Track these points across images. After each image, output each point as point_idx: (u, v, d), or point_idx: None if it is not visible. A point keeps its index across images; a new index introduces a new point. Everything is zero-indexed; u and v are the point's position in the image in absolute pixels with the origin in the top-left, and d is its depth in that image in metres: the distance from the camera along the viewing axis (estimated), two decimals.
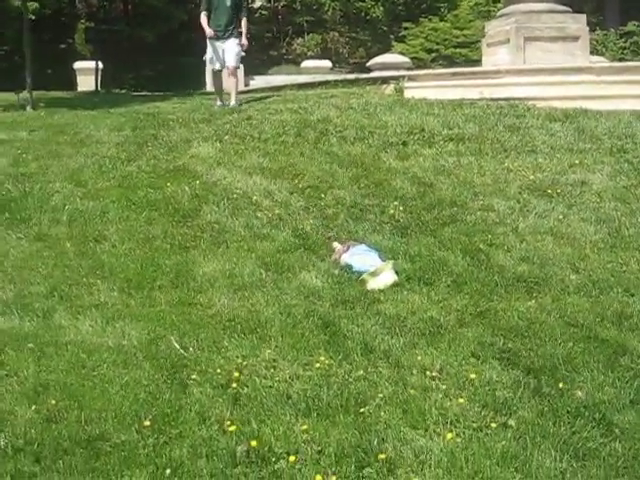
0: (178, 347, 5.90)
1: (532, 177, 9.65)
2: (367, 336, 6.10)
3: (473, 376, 5.40)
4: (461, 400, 5.05)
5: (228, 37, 14.73)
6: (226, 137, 11.53)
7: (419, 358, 5.69)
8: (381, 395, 5.14)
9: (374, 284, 7.13)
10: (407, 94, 15.15)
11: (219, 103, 14.99)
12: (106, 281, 7.31)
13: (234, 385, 5.26)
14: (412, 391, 5.22)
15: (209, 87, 23.21)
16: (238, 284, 7.18)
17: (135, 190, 9.57)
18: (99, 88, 24.24)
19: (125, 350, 5.89)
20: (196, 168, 10.26)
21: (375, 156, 10.57)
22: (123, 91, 23.22)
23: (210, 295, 6.97)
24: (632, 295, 6.93)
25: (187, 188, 9.49)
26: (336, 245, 7.90)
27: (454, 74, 16.64)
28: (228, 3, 14.66)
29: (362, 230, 8.36)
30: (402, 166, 10.20)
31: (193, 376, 5.42)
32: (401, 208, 8.83)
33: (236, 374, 5.37)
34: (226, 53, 14.71)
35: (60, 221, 8.74)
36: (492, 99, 13.87)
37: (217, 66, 14.99)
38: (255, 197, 9.20)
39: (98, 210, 9.01)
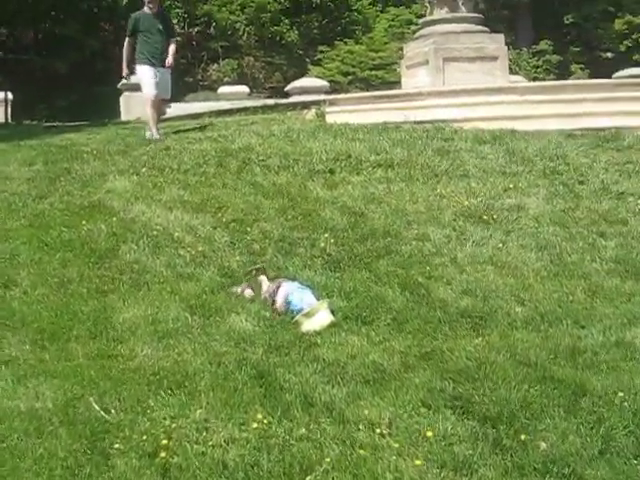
0: (98, 409, 5.32)
1: (466, 203, 9.28)
2: (306, 387, 5.59)
3: (427, 430, 4.93)
4: (417, 461, 4.57)
5: (162, 64, 13.65)
6: (143, 169, 10.94)
7: (365, 411, 5.20)
8: (328, 459, 4.61)
9: (309, 325, 6.65)
10: (329, 119, 14.73)
11: (157, 135, 13.59)
12: (17, 333, 6.68)
13: (162, 454, 4.69)
14: (361, 451, 4.72)
15: (124, 116, 22.55)
16: (162, 331, 6.63)
17: (48, 230, 8.92)
18: (9, 120, 23.39)
19: (39, 415, 5.27)
20: (112, 204, 9.66)
21: (301, 185, 10.10)
22: (34, 122, 22.33)
23: (132, 345, 6.40)
24: (582, 327, 6.59)
25: (103, 226, 8.88)
26: (263, 280, 7.40)
27: (376, 97, 16.32)
28: (160, 26, 13.73)
29: (292, 266, 7.89)
30: (330, 195, 9.75)
31: (116, 445, 4.83)
32: (332, 240, 8.37)
33: (164, 441, 4.80)
34: (163, 83, 13.74)
35: None
36: (416, 122, 13.52)
37: (160, 93, 13.75)
38: (177, 233, 8.65)
39: (7, 253, 8.33)
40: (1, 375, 5.93)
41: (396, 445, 4.76)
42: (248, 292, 7.33)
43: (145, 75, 13.74)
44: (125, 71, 14.34)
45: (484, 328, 6.58)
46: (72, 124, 19.59)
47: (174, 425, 5.04)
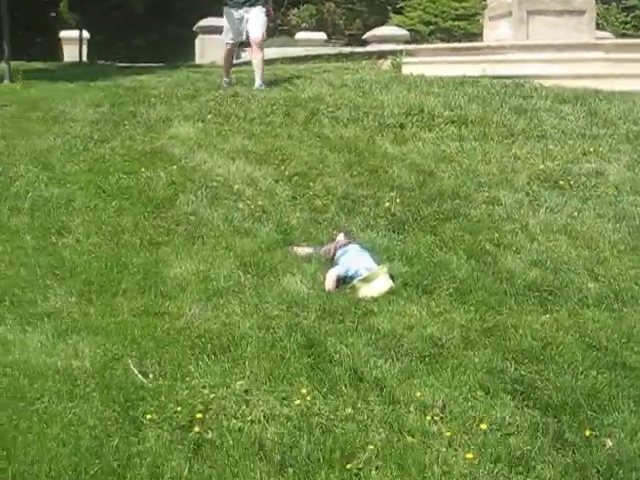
0: (136, 372, 5.03)
1: (542, 166, 8.79)
2: (357, 360, 5.23)
3: (483, 418, 4.54)
4: (469, 455, 4.18)
5: (252, 5, 12.56)
6: (209, 116, 10.64)
7: (418, 392, 4.80)
8: (372, 446, 4.24)
9: (367, 291, 6.28)
10: (405, 70, 14.25)
11: (226, 80, 13.10)
12: (65, 283, 6.46)
13: (196, 429, 4.37)
14: (410, 438, 4.34)
15: (198, 59, 22.26)
16: (213, 289, 6.32)
17: (106, 175, 8.69)
18: (85, 59, 23.29)
19: (74, 375, 5.00)
20: (174, 151, 9.38)
21: (370, 140, 9.69)
22: (108, 63, 22.16)
23: (180, 302, 6.12)
24: None
25: (163, 174, 8.61)
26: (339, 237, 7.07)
27: (455, 49, 15.82)
28: None
29: (354, 225, 7.50)
30: (399, 151, 9.33)
31: (149, 414, 4.53)
32: (398, 200, 7.96)
33: (199, 414, 4.49)
34: (250, 23, 12.56)
35: (21, 210, 7.88)
36: (495, 77, 12.97)
37: (230, 38, 12.91)
38: (237, 185, 8.33)
39: (64, 198, 8.14)
40: (43, 328, 5.69)
41: (448, 433, 4.37)
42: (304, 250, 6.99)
43: (225, 19, 13.05)
44: None
45: (553, 304, 6.13)
46: (145, 65, 19.39)
47: (213, 395, 4.73)
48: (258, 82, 12.66)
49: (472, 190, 8.27)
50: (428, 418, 4.56)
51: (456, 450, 4.27)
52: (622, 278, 6.51)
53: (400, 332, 5.62)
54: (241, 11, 12.64)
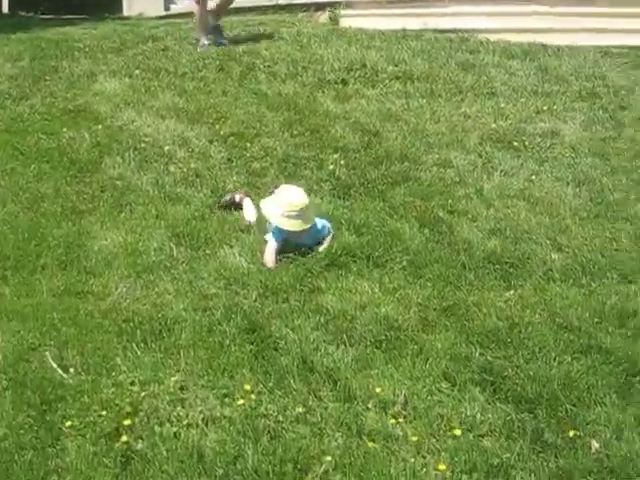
0: (55, 366, 4.43)
1: (494, 125, 8.26)
2: (306, 346, 4.67)
3: (452, 416, 4.03)
4: (441, 466, 3.65)
5: None
6: (137, 71, 9.90)
7: (377, 386, 4.27)
8: (329, 455, 3.70)
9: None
10: (343, 23, 13.55)
11: (205, 42, 11.13)
12: None
13: (124, 437, 3.79)
14: (371, 444, 3.81)
15: (126, 11, 21.23)
16: (142, 264, 5.72)
17: (24, 136, 7.98)
18: (6, 10, 22.13)
19: None
20: (99, 109, 8.66)
21: (310, 96, 9.06)
22: (30, 14, 21.06)
23: (106, 280, 5.51)
24: (630, 282, 5.63)
25: (87, 134, 7.92)
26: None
27: (394, 2, 15.09)
28: None
29: None
30: (342, 109, 8.71)
31: (69, 421, 3.93)
32: (342, 162, 7.38)
33: (127, 419, 3.90)
34: None
35: None
36: (438, 30, 12.37)
37: None
38: (168, 146, 7.66)
39: None
40: None
41: (414, 438, 3.84)
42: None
43: None
44: None
45: (516, 278, 5.63)
46: (69, 17, 18.39)
47: (143, 394, 4.15)
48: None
49: (421, 151, 7.71)
50: (390, 417, 4.04)
51: (424, 458, 3.76)
52: (587, 248, 6.03)
53: (352, 312, 5.08)
54: None
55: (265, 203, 6.01)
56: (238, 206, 6.55)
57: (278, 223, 5.79)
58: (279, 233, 5.83)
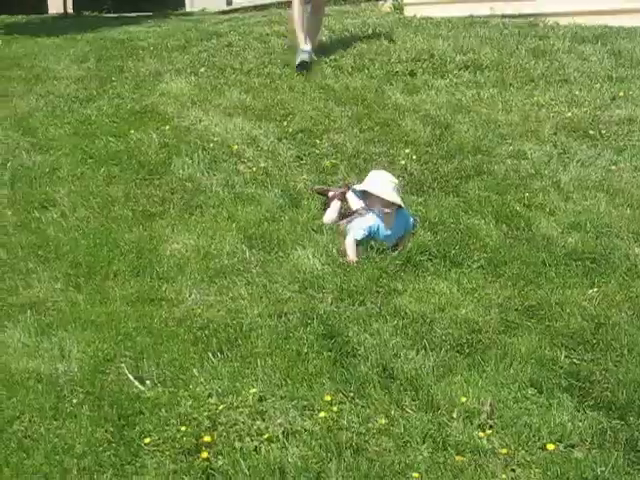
0: (132, 378, 4.36)
1: (569, 114, 8.03)
2: (385, 352, 4.55)
3: (541, 425, 3.87)
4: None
5: None
6: (202, 69, 9.85)
7: (461, 394, 4.13)
8: (415, 471, 3.57)
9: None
10: (408, 12, 13.36)
11: (307, 48, 9.72)
12: (49, 266, 5.81)
13: (204, 454, 3.70)
14: (458, 458, 3.67)
15: (188, 7, 21.25)
16: (215, 268, 5.63)
17: (93, 139, 7.95)
18: (71, 11, 22.28)
19: (60, 384, 4.34)
20: (166, 109, 8.62)
21: (378, 90, 8.91)
22: (95, 13, 21.19)
23: (179, 286, 5.44)
24: None
25: (155, 135, 7.87)
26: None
27: None
28: None
29: None
30: (411, 102, 8.55)
31: (148, 437, 3.85)
32: (414, 157, 7.24)
33: (207, 434, 3.81)
34: None
35: (1, 181, 7.16)
36: (505, 16, 12.13)
37: None
38: (236, 146, 7.58)
39: (48, 166, 7.45)
40: (25, 323, 5.04)
41: (503, 450, 3.70)
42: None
43: None
44: None
45: (599, 274, 5.44)
46: (133, 15, 18.50)
47: (222, 407, 4.04)
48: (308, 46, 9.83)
49: (494, 143, 7.53)
50: (476, 427, 3.89)
51: (514, 472, 3.59)
52: None
53: (430, 315, 4.94)
54: None
55: (366, 184, 6.01)
56: (326, 202, 6.45)
57: (389, 197, 5.80)
58: (368, 227, 5.79)
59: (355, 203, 6.19)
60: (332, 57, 9.95)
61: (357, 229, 5.82)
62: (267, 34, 11.56)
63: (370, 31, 11.11)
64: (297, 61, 9.54)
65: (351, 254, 5.68)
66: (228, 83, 9.30)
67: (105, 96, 9.21)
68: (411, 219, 6.04)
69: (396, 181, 5.98)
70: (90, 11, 21.96)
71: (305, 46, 9.65)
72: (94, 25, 15.85)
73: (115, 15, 19.71)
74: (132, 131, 8.00)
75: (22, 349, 4.73)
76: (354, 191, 6.20)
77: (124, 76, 9.95)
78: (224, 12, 16.37)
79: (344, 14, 13.27)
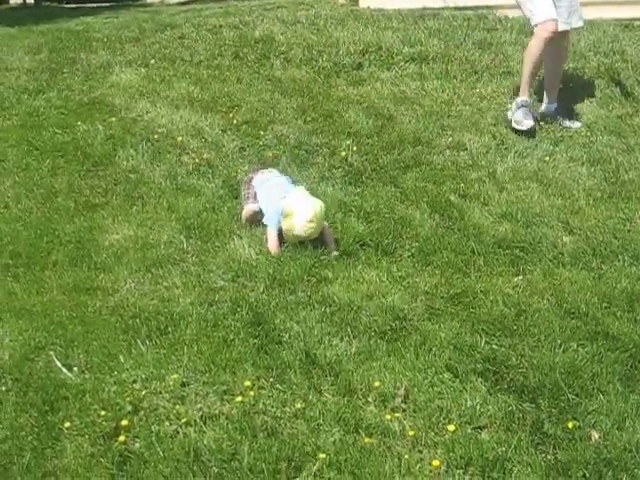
0: (60, 365, 4.45)
1: (509, 105, 8.15)
2: (310, 339, 4.66)
3: (450, 408, 4.01)
4: (435, 462, 3.63)
5: None
6: (153, 61, 9.92)
7: (377, 380, 4.24)
8: (324, 454, 3.68)
9: (297, 230, 5.63)
10: (362, 3, 13.46)
11: (524, 99, 7.76)
12: None
13: (122, 437, 3.80)
14: (368, 439, 3.79)
15: None
16: (152, 258, 5.71)
17: (40, 131, 8.01)
18: (31, 1, 22.18)
19: None
20: (114, 101, 8.68)
21: (325, 82, 9.04)
22: (55, 4, 21.11)
23: (115, 275, 5.52)
24: None
25: (101, 127, 7.94)
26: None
27: None
28: None
29: (308, 177, 6.88)
30: (356, 93, 8.68)
31: (68, 422, 3.95)
32: (355, 148, 7.34)
33: (126, 418, 3.91)
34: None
35: None
36: (458, 8, 12.25)
37: (547, 16, 7.53)
38: (181, 137, 7.66)
39: None
40: None
41: (411, 432, 3.82)
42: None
43: None
44: None
45: (525, 263, 5.58)
46: (94, 6, 18.47)
47: (144, 392, 4.15)
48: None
49: (435, 134, 7.67)
50: (389, 410, 4.02)
51: (421, 453, 3.73)
52: (599, 230, 5.96)
53: (358, 303, 5.05)
54: None
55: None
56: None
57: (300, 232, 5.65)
58: (277, 217, 5.78)
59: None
60: (282, 49, 10.04)
61: (272, 218, 5.84)
62: (220, 25, 11.61)
63: (321, 23, 11.21)
64: (517, 124, 7.69)
65: (273, 247, 5.72)
66: (177, 75, 9.37)
67: (55, 88, 9.24)
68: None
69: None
70: (50, 1, 21.87)
71: (523, 98, 7.77)
72: (52, 15, 15.83)
73: (75, 5, 19.64)
74: (79, 123, 8.06)
75: None
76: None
77: (75, 68, 9.99)
78: (183, 3, 16.38)
79: (299, 5, 13.35)
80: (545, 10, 7.51)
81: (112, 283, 5.42)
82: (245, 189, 6.30)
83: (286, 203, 5.65)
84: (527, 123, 7.57)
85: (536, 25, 7.61)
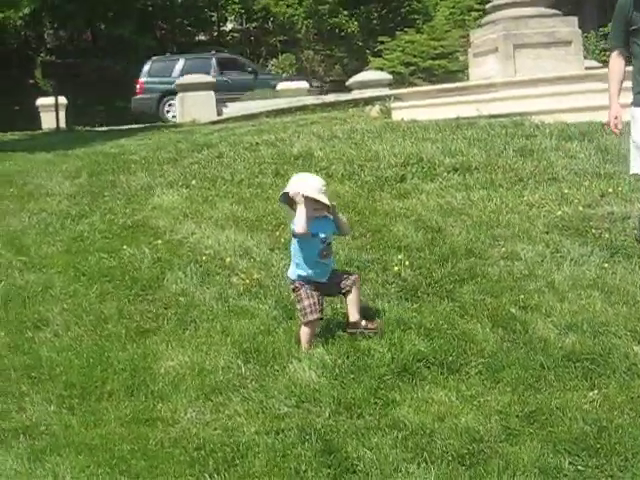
0: None
1: (559, 212, 8.04)
2: (386, 467, 4.44)
3: None
4: None
5: None
6: (193, 181, 9.95)
7: None
8: None
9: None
10: (395, 115, 13.62)
11: None
12: (43, 388, 5.71)
13: None
14: None
15: (179, 118, 21.52)
16: (210, 385, 5.55)
17: (85, 256, 7.96)
18: (63, 126, 22.62)
19: None
20: (158, 223, 8.66)
21: (369, 196, 8.98)
22: (86, 128, 21.57)
23: (174, 404, 5.35)
24: None
25: (147, 250, 7.88)
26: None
27: (445, 90, 15.15)
28: None
29: (362, 295, 6.71)
30: (402, 207, 8.60)
31: None
32: (407, 262, 7.21)
33: None
34: None
35: None
36: (491, 116, 12.32)
37: None
38: (229, 258, 7.58)
39: (40, 285, 7.43)
40: (17, 448, 4.92)
41: None
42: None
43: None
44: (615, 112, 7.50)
45: (598, 376, 5.36)
46: (125, 128, 18.79)
47: None
48: None
49: (487, 245, 7.53)
50: None
51: None
52: None
53: (430, 426, 4.84)
54: None
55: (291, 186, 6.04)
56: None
57: (318, 197, 5.98)
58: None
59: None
60: (322, 164, 10.04)
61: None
62: (257, 143, 11.72)
63: (358, 137, 11.26)
64: None
65: (301, 227, 5.96)
66: (219, 195, 9.37)
67: (97, 211, 9.27)
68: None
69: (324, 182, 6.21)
70: (83, 125, 22.33)
71: None
72: (86, 139, 16.11)
73: (107, 129, 20.00)
74: (125, 246, 8.01)
75: (15, 477, 4.62)
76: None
77: (116, 191, 10.03)
78: (214, 122, 16.59)
79: (333, 120, 13.47)
80: None
81: (172, 413, 5.25)
82: (299, 299, 6.12)
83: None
84: None
85: None
